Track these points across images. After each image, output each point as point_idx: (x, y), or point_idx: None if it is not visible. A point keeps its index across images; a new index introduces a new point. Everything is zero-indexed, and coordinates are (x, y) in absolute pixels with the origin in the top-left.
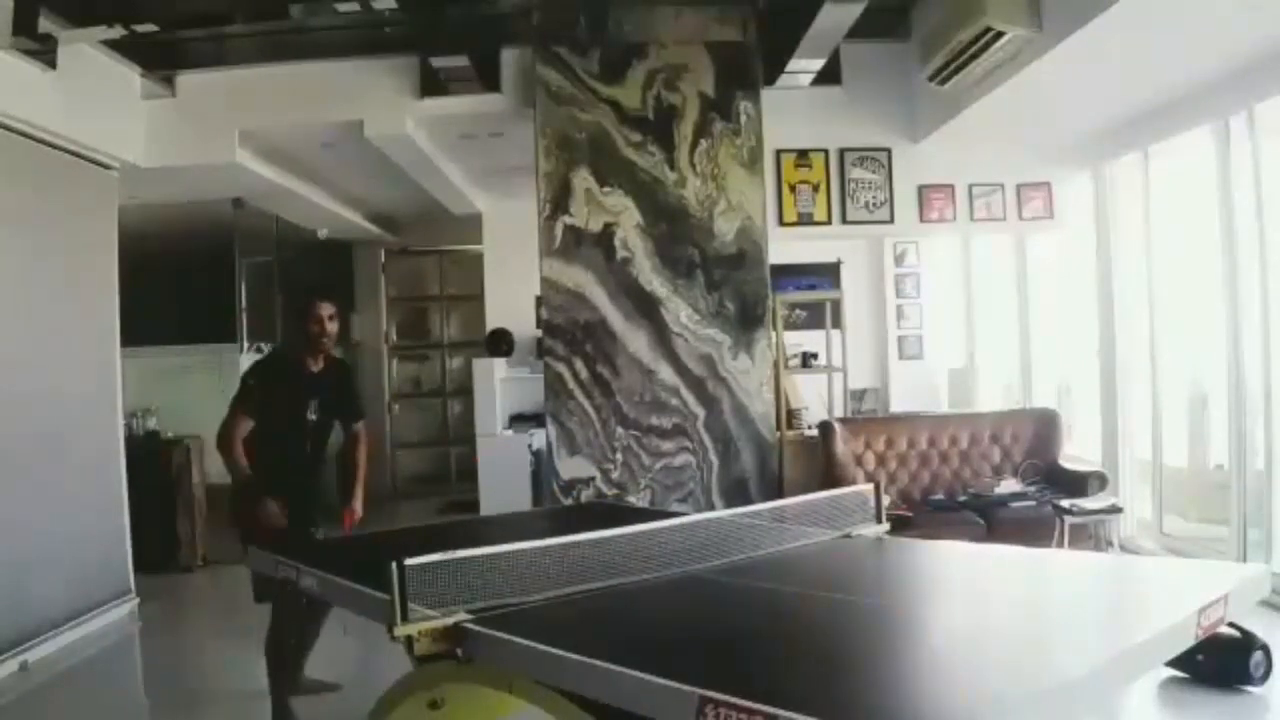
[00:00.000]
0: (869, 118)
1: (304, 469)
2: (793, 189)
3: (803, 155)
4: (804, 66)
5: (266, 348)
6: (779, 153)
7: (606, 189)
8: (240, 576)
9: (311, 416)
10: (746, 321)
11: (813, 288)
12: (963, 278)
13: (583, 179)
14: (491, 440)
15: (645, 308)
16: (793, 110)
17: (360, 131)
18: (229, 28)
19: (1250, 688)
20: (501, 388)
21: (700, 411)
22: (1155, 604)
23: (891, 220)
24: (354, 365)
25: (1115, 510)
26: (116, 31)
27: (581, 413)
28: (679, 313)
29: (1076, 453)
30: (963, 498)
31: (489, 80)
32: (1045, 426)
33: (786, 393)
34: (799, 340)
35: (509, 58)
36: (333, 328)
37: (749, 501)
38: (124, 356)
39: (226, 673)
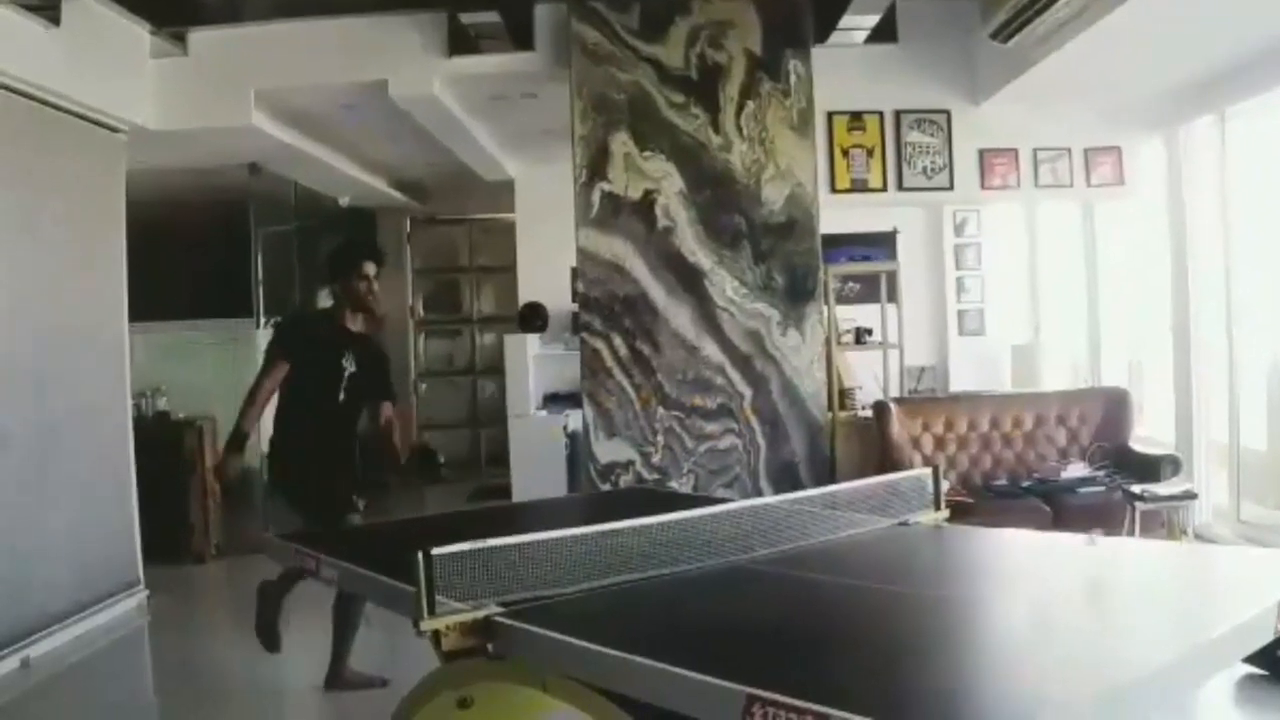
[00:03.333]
0: (927, 77)
1: (338, 430)
2: (845, 153)
3: (856, 118)
4: (858, 23)
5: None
6: (831, 115)
7: (647, 153)
8: (255, 567)
9: (350, 369)
10: (796, 295)
11: (867, 259)
12: (1027, 248)
13: (621, 143)
14: (524, 421)
15: (688, 280)
16: (846, 70)
17: (384, 92)
18: None
19: None
20: (535, 365)
21: (747, 391)
22: (1232, 596)
23: (951, 187)
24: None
25: (1190, 496)
26: None
27: (620, 392)
28: (724, 286)
29: (1148, 435)
30: (1027, 483)
31: (521, 37)
32: (1115, 407)
33: (839, 371)
34: (852, 315)
35: (543, 13)
36: (377, 288)
37: (798, 487)
38: (132, 333)
39: (241, 670)
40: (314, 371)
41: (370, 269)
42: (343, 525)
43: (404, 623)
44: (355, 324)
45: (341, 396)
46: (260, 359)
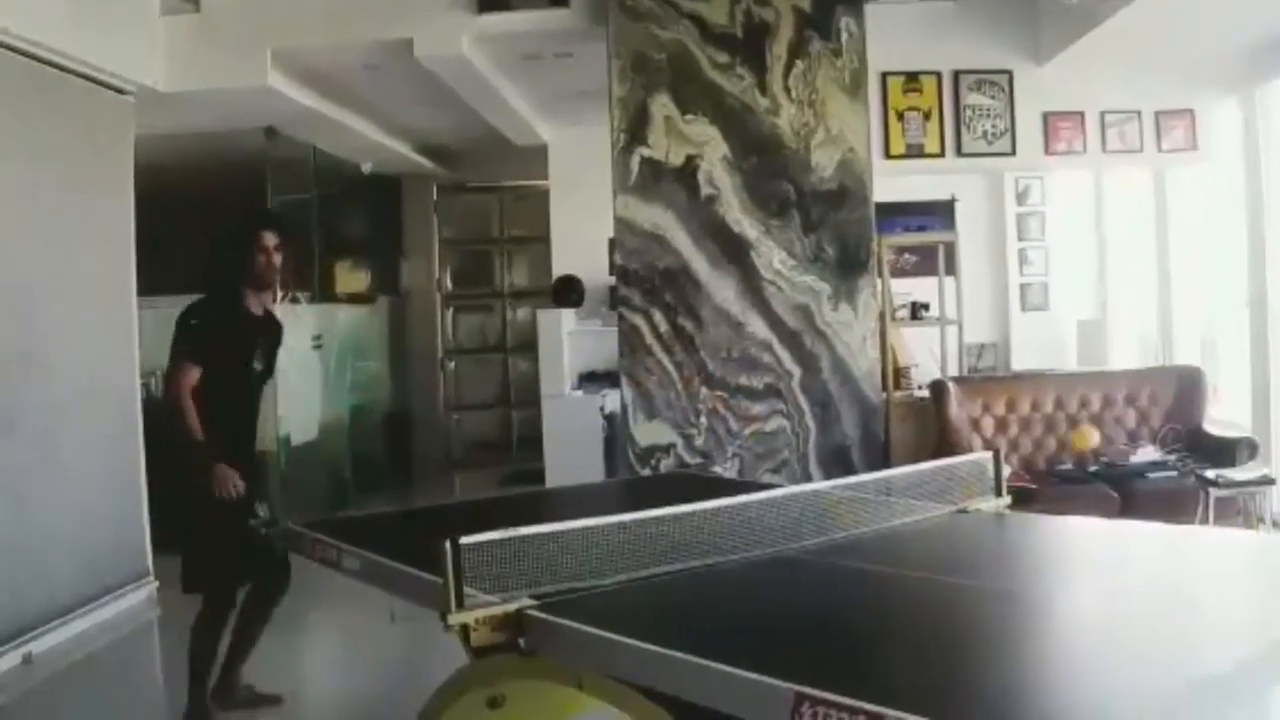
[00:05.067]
0: (987, 36)
1: (249, 429)
2: (900, 117)
3: (912, 78)
4: None
5: (303, 297)
6: (885, 76)
7: (689, 117)
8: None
9: (257, 366)
10: (848, 267)
11: (923, 229)
12: (1094, 217)
13: (662, 105)
14: (559, 402)
15: (733, 251)
16: (901, 27)
17: (409, 51)
18: None
19: None
20: (570, 342)
21: (796, 370)
22: None
23: (1013, 152)
24: (403, 316)
25: (1267, 482)
26: None
27: (661, 371)
28: (771, 257)
29: (1223, 416)
30: (1094, 468)
31: None
32: (1187, 386)
33: (894, 348)
34: (908, 289)
35: None
36: (278, 260)
37: (851, 472)
38: (141, 307)
39: (256, 664)
40: (221, 375)
41: (270, 239)
42: (245, 535)
43: (431, 617)
44: (257, 306)
45: (247, 398)
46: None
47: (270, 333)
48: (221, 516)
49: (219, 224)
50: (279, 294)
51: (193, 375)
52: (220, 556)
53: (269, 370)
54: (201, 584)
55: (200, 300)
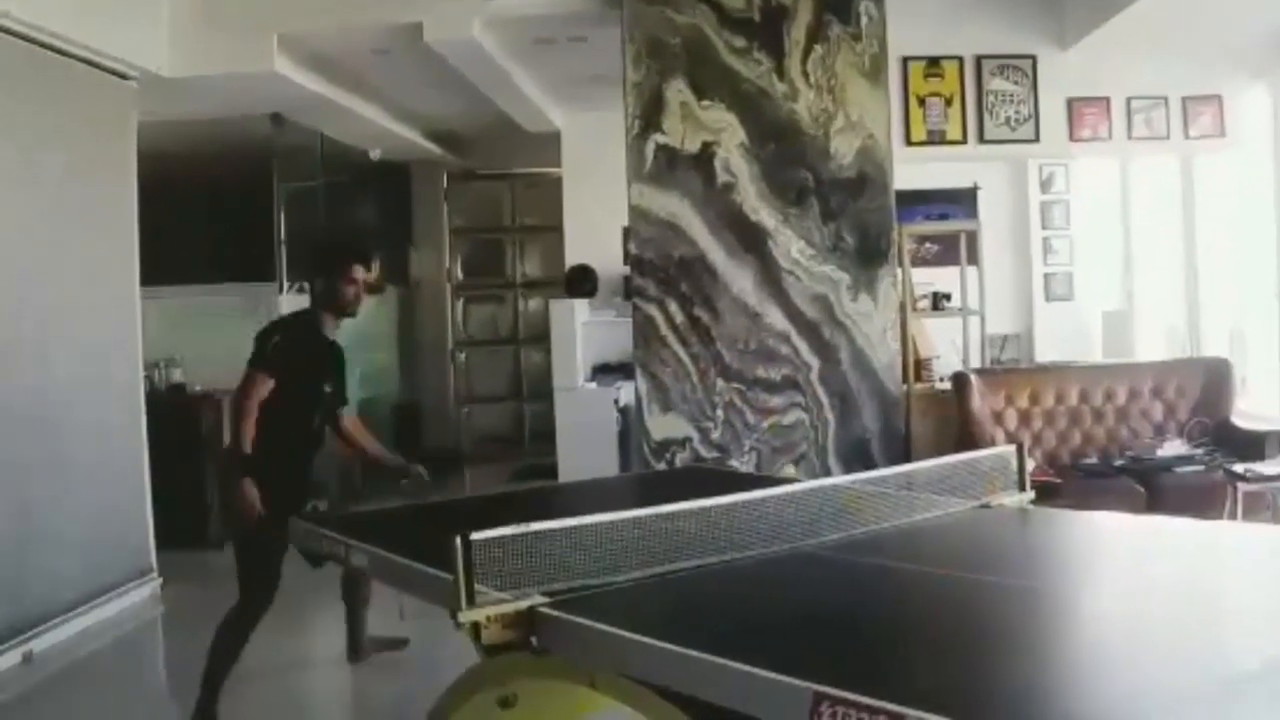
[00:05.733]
0: (1010, 20)
1: (309, 449)
2: (922, 102)
3: (933, 63)
4: None
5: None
6: (906, 60)
7: (705, 102)
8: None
9: (327, 388)
10: (868, 257)
11: (945, 217)
12: (1120, 206)
13: (677, 91)
14: (572, 394)
15: (750, 241)
16: (922, 11)
17: (419, 35)
18: None
19: None
20: (583, 333)
21: (814, 361)
22: None
23: (1036, 139)
24: (413, 307)
25: None
26: None
27: (676, 363)
28: (790, 246)
29: (1252, 409)
30: (1119, 462)
31: None
32: (1215, 378)
33: (914, 339)
34: (929, 278)
35: None
36: (364, 293)
37: (871, 466)
38: (144, 298)
39: (262, 663)
40: (296, 395)
41: (360, 273)
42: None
43: (441, 614)
44: (333, 331)
45: (315, 423)
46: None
47: (338, 358)
48: (268, 524)
49: (225, 213)
50: (286, 284)
51: (265, 387)
52: (264, 559)
53: (340, 393)
54: (244, 583)
55: (283, 318)
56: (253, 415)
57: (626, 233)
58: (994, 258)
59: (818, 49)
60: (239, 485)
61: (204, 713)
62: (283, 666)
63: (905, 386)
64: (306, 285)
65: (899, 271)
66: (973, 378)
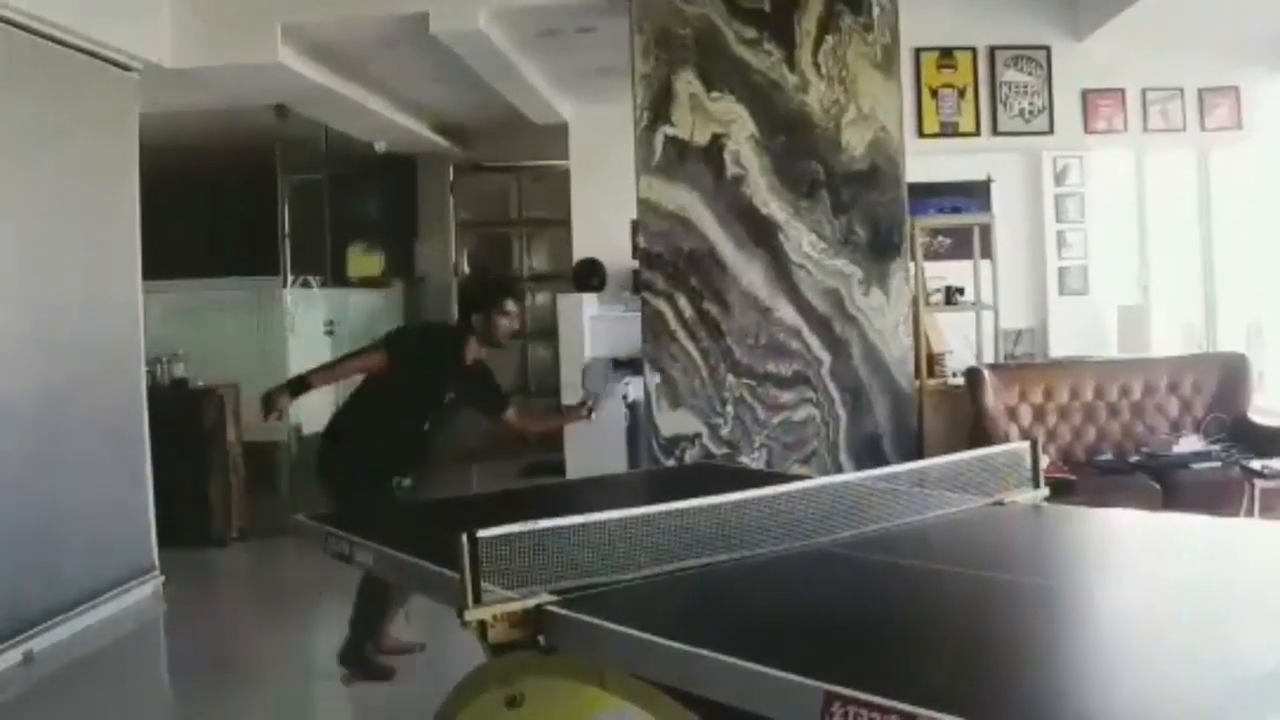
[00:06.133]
0: (1024, 10)
1: (413, 444)
2: (934, 94)
3: (946, 54)
4: None
5: (315, 281)
6: (918, 51)
7: (715, 94)
8: (281, 551)
9: (446, 400)
10: (880, 250)
11: (958, 210)
12: (1135, 199)
13: (687, 82)
14: (580, 390)
15: (760, 234)
16: (934, 1)
17: (425, 27)
18: None
19: None
20: (591, 328)
21: (825, 356)
22: None
23: (1051, 131)
24: (418, 301)
25: None
26: None
27: (686, 358)
28: (800, 240)
29: (1270, 404)
30: (1135, 458)
31: None
32: (1232, 374)
33: (927, 334)
34: (942, 272)
35: None
36: (515, 326)
37: (883, 462)
38: (146, 292)
39: (265, 663)
40: (411, 389)
41: (513, 307)
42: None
43: (447, 613)
44: (475, 355)
45: (426, 426)
46: (287, 320)
47: (475, 379)
48: (372, 482)
49: (229, 206)
50: (290, 279)
51: (375, 359)
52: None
53: (475, 403)
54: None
55: (428, 324)
56: (342, 370)
57: (635, 226)
58: (1008, 251)
59: (829, 40)
60: (273, 394)
61: (355, 649)
62: (288, 665)
63: (918, 382)
64: (310, 280)
65: (911, 265)
66: (986, 373)
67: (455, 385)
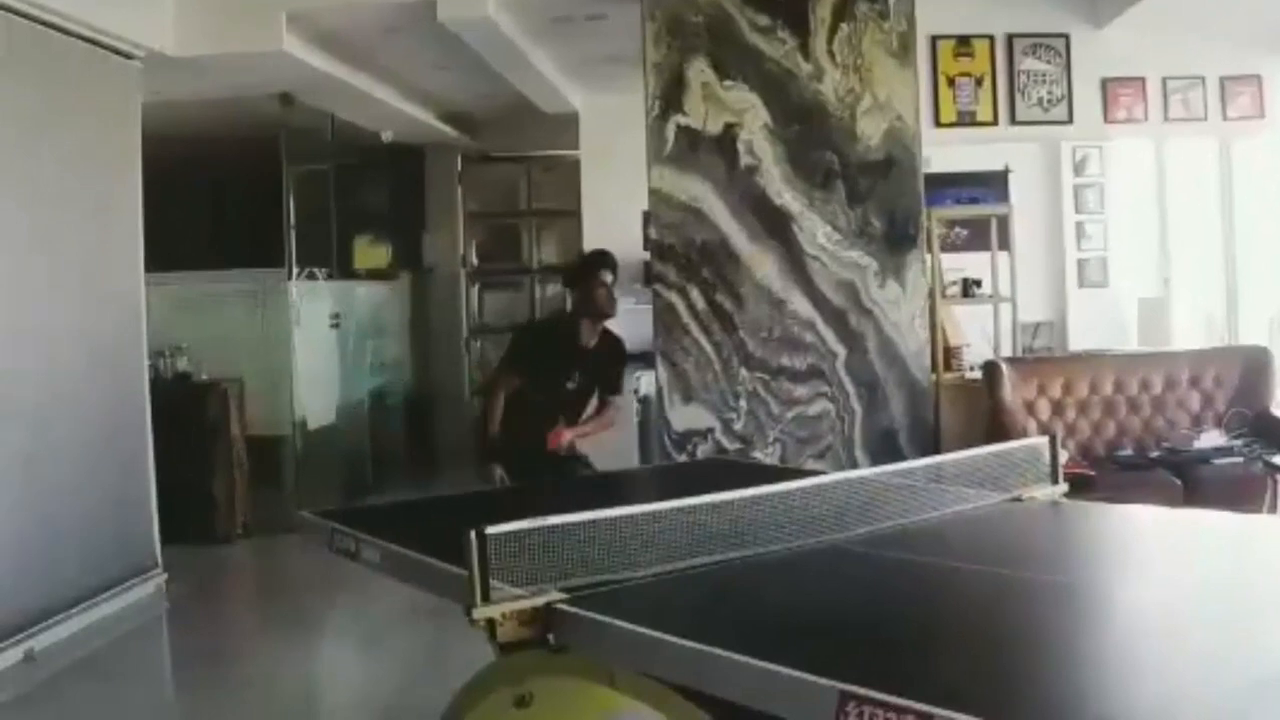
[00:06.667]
0: None
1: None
2: (951, 83)
3: (964, 42)
4: None
5: (320, 273)
6: (935, 39)
7: (728, 83)
8: (286, 548)
9: (570, 386)
10: (896, 242)
11: (975, 201)
12: (1155, 189)
13: (699, 71)
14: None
15: (774, 225)
16: None
17: (432, 14)
18: None
19: None
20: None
21: (840, 350)
22: None
23: (1070, 120)
24: (426, 294)
25: None
26: None
27: (698, 351)
28: (815, 231)
29: None
30: (1155, 453)
31: None
32: (1255, 367)
33: (944, 327)
34: (959, 264)
35: None
36: (613, 294)
37: (898, 457)
38: (149, 284)
39: (270, 662)
40: (537, 384)
41: (608, 277)
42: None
43: (455, 611)
44: (592, 336)
45: (560, 415)
46: (292, 313)
47: (600, 358)
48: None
49: (233, 196)
50: (295, 271)
51: (508, 383)
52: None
53: (596, 387)
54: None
55: (535, 322)
56: (496, 409)
57: (646, 217)
58: (1026, 243)
59: (844, 27)
60: (487, 468)
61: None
62: (294, 664)
63: (934, 376)
64: (316, 272)
65: (928, 257)
66: (1004, 367)
67: (576, 371)
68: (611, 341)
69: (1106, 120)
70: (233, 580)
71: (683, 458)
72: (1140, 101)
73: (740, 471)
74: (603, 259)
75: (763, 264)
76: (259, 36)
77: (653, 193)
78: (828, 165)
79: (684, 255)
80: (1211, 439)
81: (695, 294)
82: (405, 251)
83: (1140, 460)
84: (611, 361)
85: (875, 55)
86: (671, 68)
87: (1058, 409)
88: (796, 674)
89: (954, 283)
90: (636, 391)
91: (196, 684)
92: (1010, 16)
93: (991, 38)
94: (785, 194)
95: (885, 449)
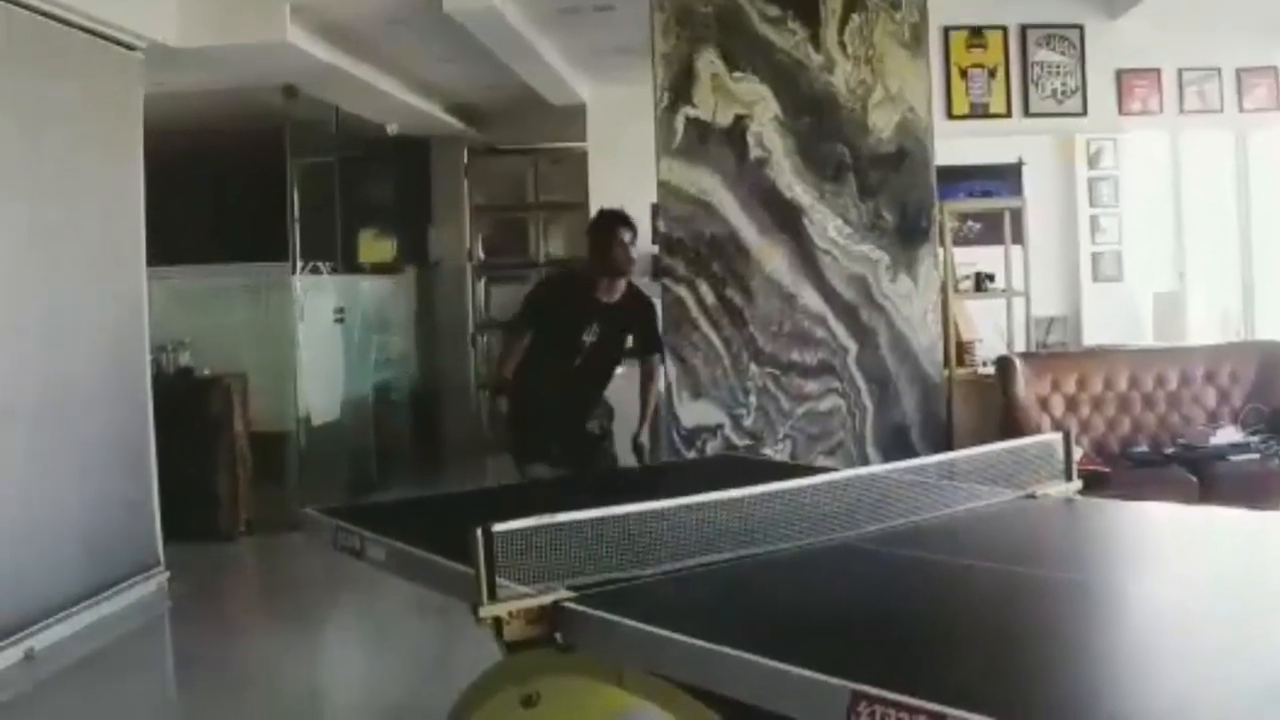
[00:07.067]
0: None
1: (569, 395)
2: (964, 74)
3: (976, 33)
4: None
5: (324, 268)
6: (947, 30)
7: (737, 74)
8: (289, 546)
9: (587, 339)
10: (908, 235)
11: (988, 194)
12: (1171, 182)
13: (709, 62)
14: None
15: (785, 219)
16: None
17: (438, 4)
18: None
19: None
20: None
21: (851, 345)
22: None
23: (1084, 112)
24: (431, 288)
25: None
26: None
27: (707, 346)
28: (826, 225)
29: None
30: (1170, 450)
31: None
32: (1272, 363)
33: (956, 322)
34: (972, 258)
35: None
36: (634, 252)
37: (910, 454)
38: (151, 278)
39: (274, 662)
40: (549, 340)
41: (626, 235)
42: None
43: (461, 609)
44: (611, 293)
45: (577, 361)
46: (296, 307)
47: (621, 316)
48: (519, 455)
49: (236, 189)
50: (299, 264)
51: (521, 340)
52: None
53: (616, 345)
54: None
55: (549, 276)
56: (511, 359)
57: (655, 210)
58: (1039, 236)
59: (855, 18)
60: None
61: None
62: (298, 664)
63: (946, 371)
64: (320, 266)
65: (940, 251)
66: (1017, 362)
67: (593, 324)
68: (639, 299)
69: (1121, 112)
70: (236, 578)
71: (691, 454)
72: (1155, 93)
73: (750, 468)
74: (621, 218)
75: (773, 258)
76: (262, 27)
77: (661, 185)
78: (839, 158)
79: (693, 249)
80: (1227, 435)
81: (704, 288)
82: (410, 245)
83: (1155, 457)
84: (642, 319)
85: (887, 46)
86: (680, 59)
87: (1072, 405)
88: (807, 673)
89: (967, 277)
90: None
91: (199, 684)
92: (1023, 7)
93: (1005, 29)
94: (796, 187)
95: (897, 445)
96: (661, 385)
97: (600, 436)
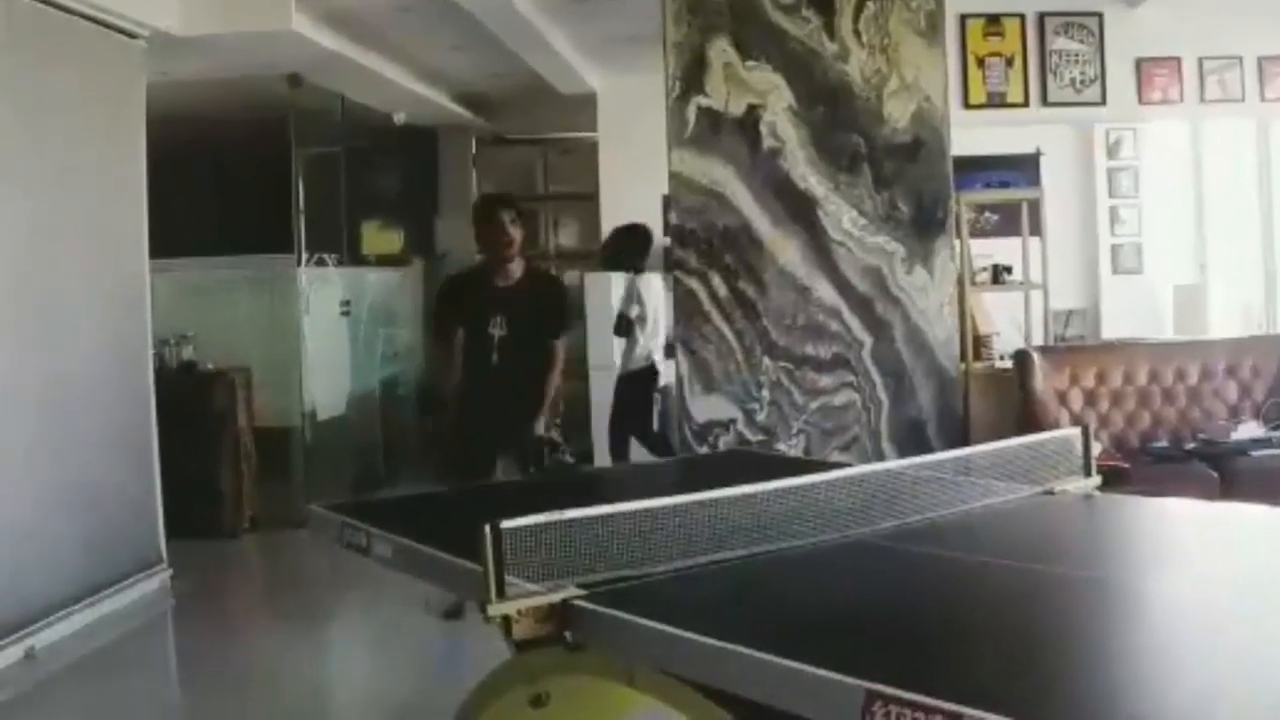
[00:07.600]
0: None
1: (491, 390)
2: (981, 63)
3: (993, 21)
4: None
5: (330, 260)
6: (964, 18)
7: (751, 63)
8: (294, 543)
9: (495, 332)
10: (924, 227)
11: (1006, 185)
12: (1192, 173)
13: (721, 51)
14: (608, 374)
15: (798, 210)
16: None
17: None
18: None
19: None
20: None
21: (866, 338)
22: None
23: (1103, 101)
24: (439, 280)
25: None
26: None
27: (719, 340)
28: (840, 216)
29: None
30: (1191, 445)
31: None
32: None
33: (973, 315)
34: (989, 250)
35: None
36: (516, 233)
37: (926, 449)
38: (153, 271)
39: (278, 660)
40: (465, 341)
41: (506, 216)
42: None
43: (469, 607)
44: (507, 278)
45: (494, 359)
46: (301, 300)
47: (526, 300)
48: (465, 471)
49: (240, 180)
50: (304, 257)
51: (441, 344)
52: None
53: (534, 331)
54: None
55: (452, 275)
56: (452, 370)
57: (666, 201)
58: (1058, 228)
59: (870, 6)
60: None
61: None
62: (303, 662)
63: (963, 365)
64: (326, 258)
65: (957, 243)
66: (1035, 356)
67: (497, 315)
68: (540, 279)
69: (1141, 101)
70: (240, 576)
71: (704, 450)
72: (1176, 82)
73: (763, 464)
74: (500, 200)
75: (786, 250)
76: (267, 15)
77: (673, 176)
78: (853, 148)
79: (705, 240)
80: (1249, 430)
81: (717, 280)
82: (418, 237)
83: (1176, 452)
84: (544, 300)
85: (902, 34)
86: (692, 47)
87: (1090, 399)
88: (821, 673)
89: (984, 269)
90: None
91: (202, 682)
92: None
93: (1022, 16)
94: (810, 178)
95: (913, 440)
96: (558, 373)
97: (555, 443)
